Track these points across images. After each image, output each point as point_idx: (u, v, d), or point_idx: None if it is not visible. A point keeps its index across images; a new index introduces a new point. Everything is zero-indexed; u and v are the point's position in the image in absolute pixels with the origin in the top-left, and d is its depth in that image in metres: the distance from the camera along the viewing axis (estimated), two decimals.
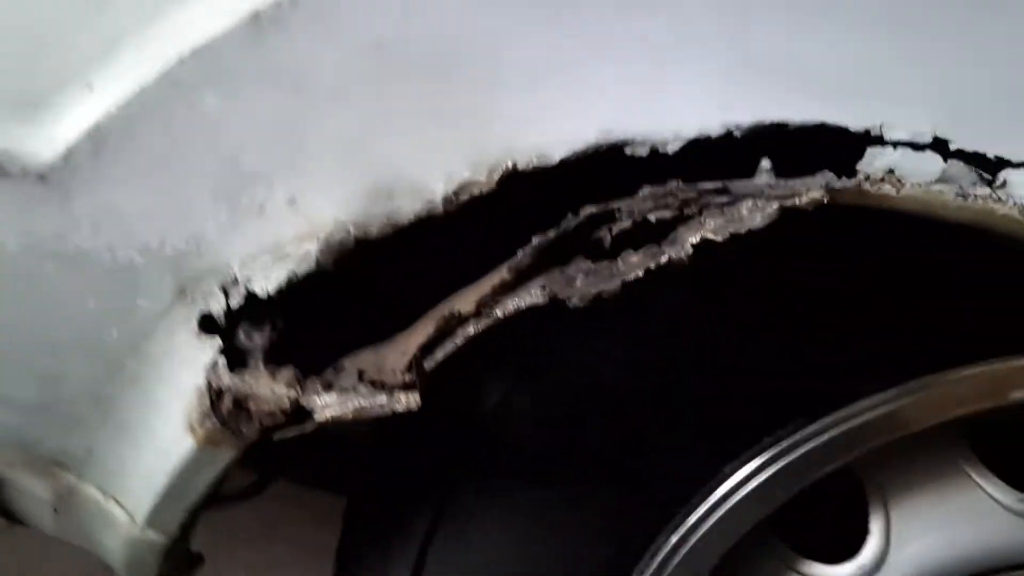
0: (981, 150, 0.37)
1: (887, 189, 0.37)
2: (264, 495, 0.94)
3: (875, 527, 0.63)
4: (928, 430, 0.58)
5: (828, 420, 0.57)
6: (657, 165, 0.39)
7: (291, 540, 1.62)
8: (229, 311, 0.47)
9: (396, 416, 0.47)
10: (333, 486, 0.84)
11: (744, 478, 0.58)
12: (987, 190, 0.37)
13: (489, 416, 0.59)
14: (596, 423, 0.58)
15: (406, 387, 0.45)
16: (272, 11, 0.40)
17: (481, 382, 0.59)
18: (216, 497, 0.66)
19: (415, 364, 0.45)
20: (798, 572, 0.66)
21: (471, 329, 0.44)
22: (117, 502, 0.58)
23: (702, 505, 0.60)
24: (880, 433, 0.58)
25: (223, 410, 0.48)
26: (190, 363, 0.49)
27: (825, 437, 0.57)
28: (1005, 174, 0.37)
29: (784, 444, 0.57)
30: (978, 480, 0.62)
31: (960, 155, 0.37)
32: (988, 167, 0.37)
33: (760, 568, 0.66)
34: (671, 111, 0.39)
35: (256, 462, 0.91)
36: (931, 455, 0.63)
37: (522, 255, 0.42)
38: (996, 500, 0.62)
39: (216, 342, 0.48)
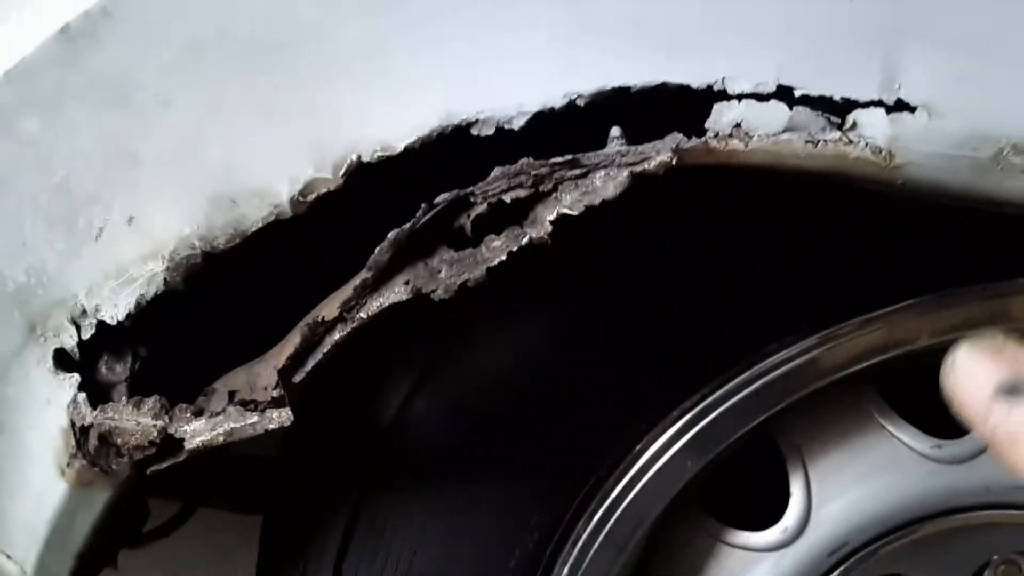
0: (827, 93, 0.36)
1: (735, 144, 0.36)
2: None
3: (796, 489, 0.63)
4: (837, 383, 0.57)
5: (733, 384, 0.56)
6: (506, 143, 0.38)
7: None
8: (82, 343, 0.44)
9: (291, 430, 0.45)
10: (250, 507, 0.81)
11: (655, 451, 0.57)
12: (837, 134, 0.36)
13: (393, 420, 0.57)
14: (499, 415, 0.56)
15: (275, 403, 0.43)
16: (82, 23, 0.37)
17: (380, 387, 0.57)
18: (140, 534, 0.64)
19: (282, 379, 0.43)
20: (724, 542, 0.65)
21: (337, 335, 0.42)
22: (5, 555, 0.55)
23: (616, 486, 0.58)
24: (787, 390, 0.57)
25: (90, 448, 0.45)
26: (51, 403, 0.46)
27: (732, 401, 0.56)
28: (854, 115, 0.36)
29: (692, 412, 0.56)
30: (892, 430, 0.62)
31: (806, 101, 0.36)
32: (836, 110, 0.36)
33: (686, 541, 0.66)
34: (512, 85, 0.37)
35: (177, 493, 0.88)
36: (843, 409, 0.63)
37: (380, 251, 0.40)
38: (911, 448, 0.62)
39: (74, 378, 0.45)
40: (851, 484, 0.62)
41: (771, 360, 0.53)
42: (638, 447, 0.56)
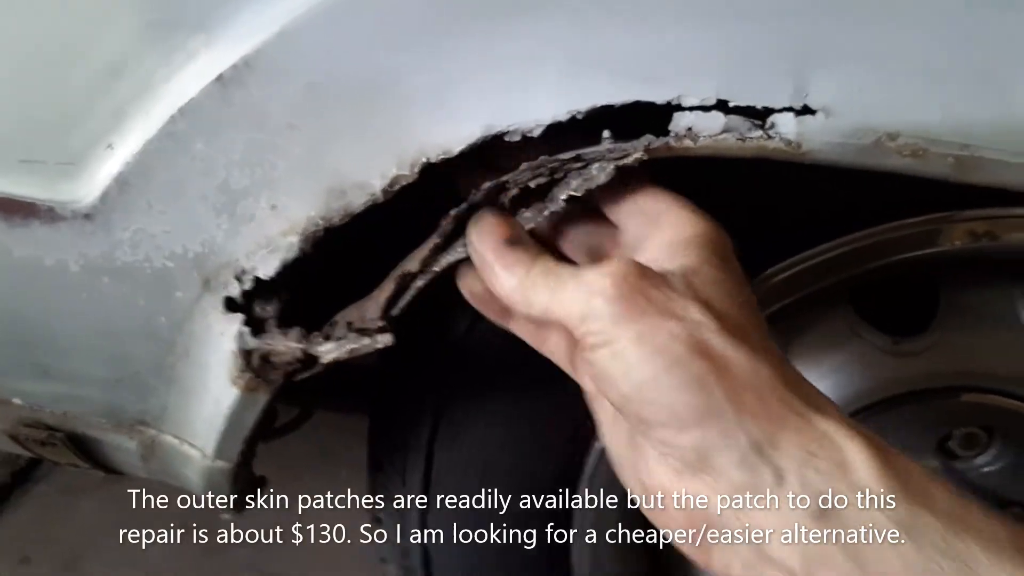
0: (753, 104, 0.50)
1: (687, 143, 0.51)
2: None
3: None
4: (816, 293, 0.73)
5: None
6: (528, 146, 0.54)
7: (346, 462, 1.85)
8: (244, 292, 0.62)
9: (389, 350, 0.63)
10: (359, 408, 1.01)
11: None
12: (760, 132, 0.50)
13: (461, 338, 0.75)
14: None
15: (381, 331, 0.61)
16: (232, 72, 0.54)
17: (452, 316, 0.75)
18: (272, 430, 0.84)
19: (384, 313, 0.61)
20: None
21: (419, 283, 0.59)
22: (190, 444, 0.75)
23: None
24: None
25: (254, 365, 0.64)
26: (224, 334, 0.65)
27: None
28: (772, 119, 0.50)
29: None
30: (858, 330, 0.77)
31: (736, 110, 0.50)
32: (759, 115, 0.51)
33: None
34: (531, 106, 0.52)
35: (298, 399, 1.10)
36: (822, 312, 0.78)
37: (446, 222, 0.57)
38: (873, 344, 0.77)
39: (239, 316, 0.64)
40: (828, 371, 0.78)
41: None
42: None
